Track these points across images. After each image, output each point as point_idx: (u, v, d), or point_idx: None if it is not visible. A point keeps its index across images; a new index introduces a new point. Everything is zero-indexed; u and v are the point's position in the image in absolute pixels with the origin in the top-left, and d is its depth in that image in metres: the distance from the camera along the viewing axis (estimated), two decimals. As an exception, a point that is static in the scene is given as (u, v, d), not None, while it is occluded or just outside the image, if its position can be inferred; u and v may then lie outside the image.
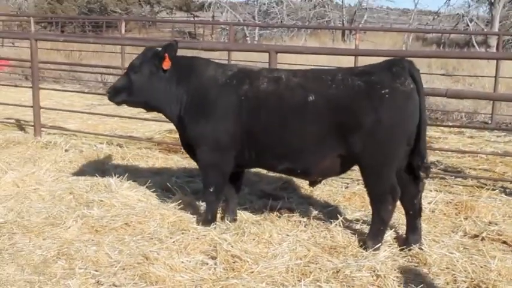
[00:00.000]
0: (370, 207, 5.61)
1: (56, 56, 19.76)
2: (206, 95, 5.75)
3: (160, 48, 5.94)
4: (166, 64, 5.83)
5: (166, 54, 5.82)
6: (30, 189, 6.97)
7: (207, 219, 5.92)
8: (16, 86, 12.89)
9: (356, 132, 5.27)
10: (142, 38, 20.83)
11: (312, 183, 6.05)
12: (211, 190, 5.88)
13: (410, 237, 5.52)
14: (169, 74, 5.86)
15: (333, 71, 5.78)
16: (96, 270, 5.01)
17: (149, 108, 6.18)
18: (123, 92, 6.02)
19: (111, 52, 19.33)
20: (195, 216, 6.12)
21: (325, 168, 5.61)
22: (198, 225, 5.87)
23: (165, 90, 5.89)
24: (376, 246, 5.38)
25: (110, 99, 6.12)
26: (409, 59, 5.46)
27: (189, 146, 5.99)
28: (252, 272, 4.94)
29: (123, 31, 15.51)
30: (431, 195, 7.00)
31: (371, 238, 5.48)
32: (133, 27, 32.80)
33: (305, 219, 6.05)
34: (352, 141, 5.30)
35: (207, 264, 5.11)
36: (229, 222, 5.98)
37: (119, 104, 6.20)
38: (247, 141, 5.64)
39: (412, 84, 5.25)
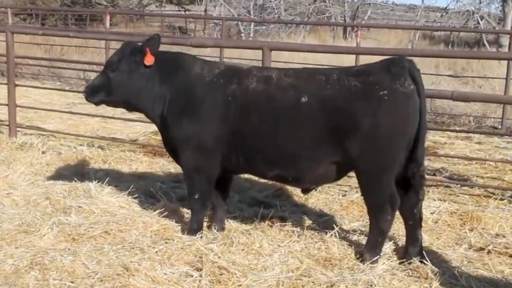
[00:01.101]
0: (368, 217, 5.60)
1: (35, 50, 19.76)
2: (191, 94, 5.75)
3: (140, 43, 5.93)
4: (149, 60, 5.81)
5: (148, 49, 5.80)
6: (3, 194, 6.94)
7: (192, 228, 5.89)
8: (-10, 82, 12.86)
9: (352, 137, 5.25)
10: (128, 33, 20.82)
11: (305, 191, 6.08)
12: (196, 197, 5.86)
13: (410, 249, 5.51)
14: (151, 71, 5.85)
15: (327, 70, 5.74)
16: (72, 282, 4.98)
17: (130, 108, 6.18)
18: (101, 91, 5.99)
19: (95, 47, 19.35)
20: (180, 224, 6.11)
21: (318, 176, 5.58)
22: (183, 234, 5.85)
23: (147, 88, 5.87)
24: (374, 258, 5.36)
25: (87, 99, 6.09)
26: (409, 57, 5.46)
27: (173, 149, 5.97)
28: (240, 286, 4.92)
29: (107, 25, 15.47)
30: (434, 204, 7.01)
31: (368, 250, 5.46)
32: (119, 21, 32.77)
33: (298, 229, 6.04)
34: (348, 146, 5.28)
35: (192, 276, 5.08)
36: (217, 231, 5.96)
37: (97, 104, 6.18)
38: (234, 144, 5.62)
39: (412, 85, 5.25)
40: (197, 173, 5.82)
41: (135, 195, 6.88)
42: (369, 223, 5.57)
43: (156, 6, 38.62)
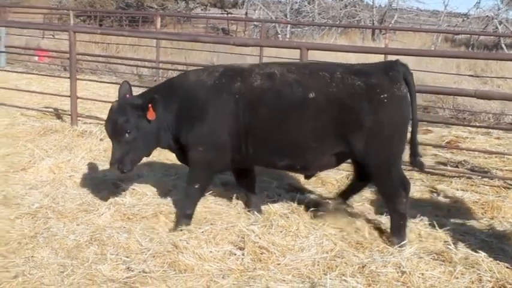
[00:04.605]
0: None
1: (93, 48, 19.86)
2: (197, 100, 5.57)
3: (137, 101, 5.66)
4: (152, 115, 5.54)
5: (151, 106, 5.53)
6: (65, 176, 7.00)
7: (186, 215, 5.70)
8: (55, 76, 12.96)
9: (355, 132, 5.29)
10: (176, 33, 20.81)
11: (308, 177, 6.08)
12: (196, 187, 5.67)
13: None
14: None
15: (329, 67, 5.63)
16: (127, 257, 5.02)
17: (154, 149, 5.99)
18: (129, 157, 5.65)
19: (147, 46, 19.40)
20: (223, 207, 6.07)
21: (322, 164, 5.67)
22: (180, 223, 5.67)
23: (161, 129, 5.68)
24: (402, 242, 5.29)
25: (124, 171, 5.70)
26: (403, 61, 5.50)
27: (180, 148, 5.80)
28: (279, 264, 4.90)
29: (158, 26, 15.48)
30: (458, 194, 6.88)
31: (395, 234, 5.42)
32: (168, 23, 32.81)
33: (332, 213, 5.95)
34: (351, 140, 5.32)
35: (235, 254, 5.06)
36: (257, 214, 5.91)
37: (131, 170, 5.82)
38: (247, 139, 5.50)
39: (405, 89, 5.34)
40: (206, 168, 5.69)
41: (183, 179, 6.85)
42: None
43: (202, 10, 38.60)
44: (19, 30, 20.00)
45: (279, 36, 28.54)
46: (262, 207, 6.06)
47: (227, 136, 5.50)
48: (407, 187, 5.46)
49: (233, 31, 32.63)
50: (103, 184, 6.76)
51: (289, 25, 28.34)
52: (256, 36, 27.30)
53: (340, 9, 31.34)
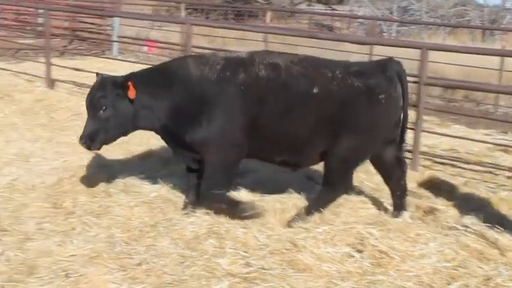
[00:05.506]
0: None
1: (200, 40, 20.22)
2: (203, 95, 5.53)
3: (119, 79, 5.63)
4: (132, 93, 5.48)
5: (131, 83, 5.49)
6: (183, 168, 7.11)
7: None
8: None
9: (348, 130, 5.47)
10: (286, 28, 20.75)
11: (293, 170, 6.16)
12: (216, 192, 5.68)
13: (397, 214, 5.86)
14: (137, 95, 5.55)
15: (323, 63, 5.71)
16: (245, 252, 5.03)
17: (130, 132, 5.89)
18: (99, 134, 5.59)
19: (253, 40, 19.55)
20: (339, 208, 6.00)
21: (312, 160, 5.84)
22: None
23: (140, 111, 5.61)
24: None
25: (90, 148, 5.69)
26: (397, 60, 5.68)
27: (191, 149, 5.71)
28: (399, 270, 4.79)
29: (268, 20, 15.58)
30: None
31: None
32: (272, 17, 32.99)
33: (453, 220, 5.79)
34: (342, 138, 5.47)
35: (353, 257, 4.98)
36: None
37: (99, 148, 5.81)
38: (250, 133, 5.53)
39: (400, 88, 5.56)
40: (228, 168, 5.70)
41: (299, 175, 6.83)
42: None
43: (306, 5, 38.57)
44: (130, 21, 20.61)
45: (385, 34, 28.11)
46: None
47: (240, 131, 5.53)
48: (348, 189, 5.87)
49: (337, 28, 32.40)
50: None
51: (395, 23, 27.85)
52: (361, 33, 27.01)
53: (449, 8, 30.53)
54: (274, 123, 5.50)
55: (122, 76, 5.70)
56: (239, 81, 5.49)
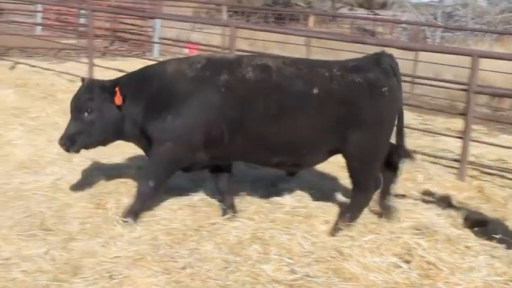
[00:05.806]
0: None
1: (241, 44, 20.22)
2: (172, 92, 5.43)
3: (107, 83, 5.61)
4: (118, 100, 5.44)
5: (118, 90, 5.44)
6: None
7: (134, 210, 5.54)
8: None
9: (355, 127, 5.36)
10: (331, 32, 20.66)
11: (291, 174, 6.04)
12: (152, 185, 5.48)
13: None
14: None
15: (321, 63, 5.63)
16: (290, 259, 4.97)
17: (110, 142, 5.84)
18: (80, 137, 5.53)
19: (295, 44, 19.49)
20: (384, 219, 5.90)
21: (314, 161, 5.74)
22: (125, 217, 5.50)
23: (125, 119, 5.56)
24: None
25: (69, 150, 5.57)
26: (388, 52, 5.65)
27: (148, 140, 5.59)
28: (448, 282, 4.69)
29: (311, 24, 15.54)
30: None
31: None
32: (314, 21, 32.93)
33: (503, 232, 5.64)
34: (349, 136, 5.36)
35: (400, 267, 4.88)
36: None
37: (78, 151, 5.70)
38: (236, 134, 5.38)
39: (395, 80, 5.50)
40: (171, 165, 5.55)
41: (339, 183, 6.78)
42: None
43: (348, 10, 38.42)
44: (171, 23, 20.74)
45: (428, 40, 27.79)
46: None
47: (203, 134, 5.38)
48: (378, 184, 5.73)
49: (379, 33, 32.15)
50: (259, 182, 6.81)
51: (439, 29, 27.52)
52: (404, 39, 26.74)
53: (496, 15, 30.03)
54: (266, 126, 5.35)
55: (110, 80, 5.71)
56: (220, 82, 5.38)
